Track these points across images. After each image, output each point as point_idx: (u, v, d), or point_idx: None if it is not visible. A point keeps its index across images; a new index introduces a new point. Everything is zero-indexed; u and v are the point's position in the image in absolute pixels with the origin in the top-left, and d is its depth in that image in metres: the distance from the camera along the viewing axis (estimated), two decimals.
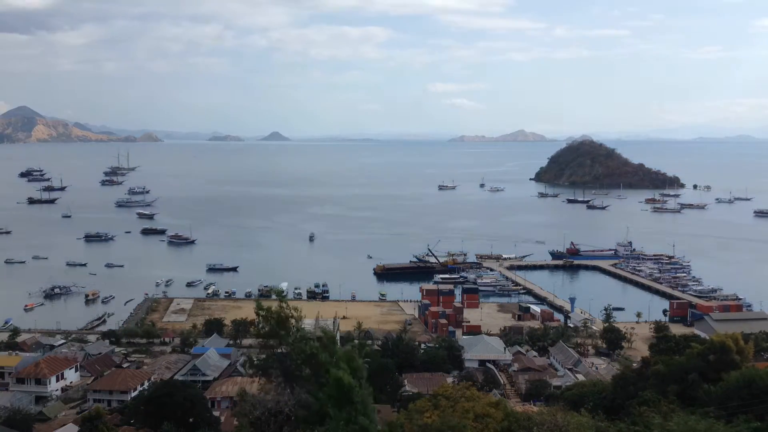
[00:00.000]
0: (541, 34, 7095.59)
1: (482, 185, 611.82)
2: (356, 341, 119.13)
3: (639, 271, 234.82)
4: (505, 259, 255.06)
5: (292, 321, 55.50)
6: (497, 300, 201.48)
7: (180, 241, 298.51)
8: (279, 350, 55.43)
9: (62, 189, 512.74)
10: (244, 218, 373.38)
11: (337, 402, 26.21)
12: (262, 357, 59.12)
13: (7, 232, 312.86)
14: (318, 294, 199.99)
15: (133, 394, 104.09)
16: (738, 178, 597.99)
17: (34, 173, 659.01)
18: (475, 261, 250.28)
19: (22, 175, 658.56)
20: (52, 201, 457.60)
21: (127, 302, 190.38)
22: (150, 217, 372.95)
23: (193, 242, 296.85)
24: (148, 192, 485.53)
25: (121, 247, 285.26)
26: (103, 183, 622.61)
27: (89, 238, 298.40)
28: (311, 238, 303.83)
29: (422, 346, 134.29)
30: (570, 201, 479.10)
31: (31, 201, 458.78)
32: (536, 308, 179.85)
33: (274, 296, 60.52)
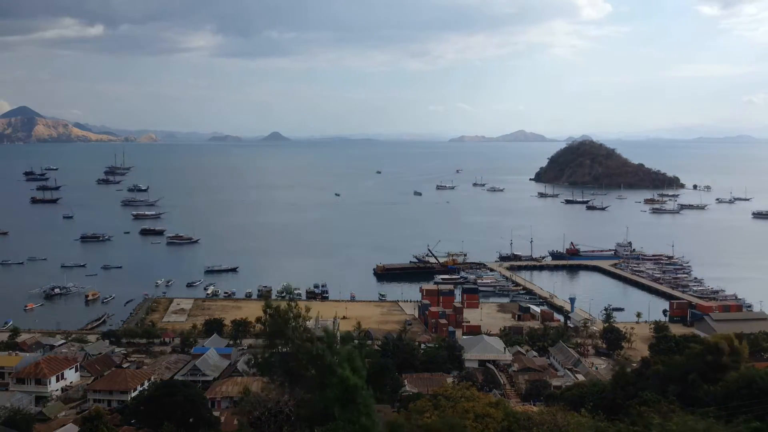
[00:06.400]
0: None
1: (475, 184, 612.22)
2: (356, 341, 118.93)
3: (639, 271, 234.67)
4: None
5: (300, 320, 55.80)
6: (497, 300, 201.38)
7: (181, 242, 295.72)
8: (283, 350, 55.55)
9: (57, 188, 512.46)
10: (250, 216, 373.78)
11: (341, 402, 26.23)
12: (266, 356, 59.09)
13: (4, 233, 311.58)
14: (317, 294, 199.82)
15: (133, 394, 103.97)
16: (738, 178, 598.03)
17: (35, 173, 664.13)
18: (475, 261, 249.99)
19: (25, 174, 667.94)
20: (54, 201, 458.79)
21: (127, 302, 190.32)
22: (157, 216, 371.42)
23: (196, 242, 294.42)
24: (146, 190, 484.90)
25: (120, 248, 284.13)
26: (99, 182, 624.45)
27: (85, 239, 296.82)
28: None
29: (422, 346, 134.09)
30: (569, 201, 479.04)
31: (34, 201, 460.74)
32: (536, 308, 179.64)
33: (291, 295, 60.39)
